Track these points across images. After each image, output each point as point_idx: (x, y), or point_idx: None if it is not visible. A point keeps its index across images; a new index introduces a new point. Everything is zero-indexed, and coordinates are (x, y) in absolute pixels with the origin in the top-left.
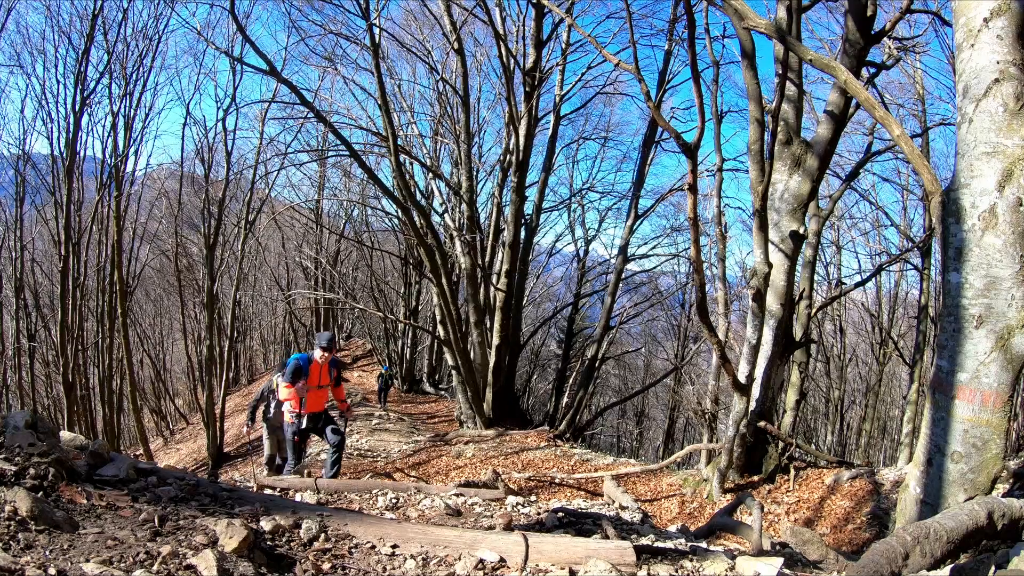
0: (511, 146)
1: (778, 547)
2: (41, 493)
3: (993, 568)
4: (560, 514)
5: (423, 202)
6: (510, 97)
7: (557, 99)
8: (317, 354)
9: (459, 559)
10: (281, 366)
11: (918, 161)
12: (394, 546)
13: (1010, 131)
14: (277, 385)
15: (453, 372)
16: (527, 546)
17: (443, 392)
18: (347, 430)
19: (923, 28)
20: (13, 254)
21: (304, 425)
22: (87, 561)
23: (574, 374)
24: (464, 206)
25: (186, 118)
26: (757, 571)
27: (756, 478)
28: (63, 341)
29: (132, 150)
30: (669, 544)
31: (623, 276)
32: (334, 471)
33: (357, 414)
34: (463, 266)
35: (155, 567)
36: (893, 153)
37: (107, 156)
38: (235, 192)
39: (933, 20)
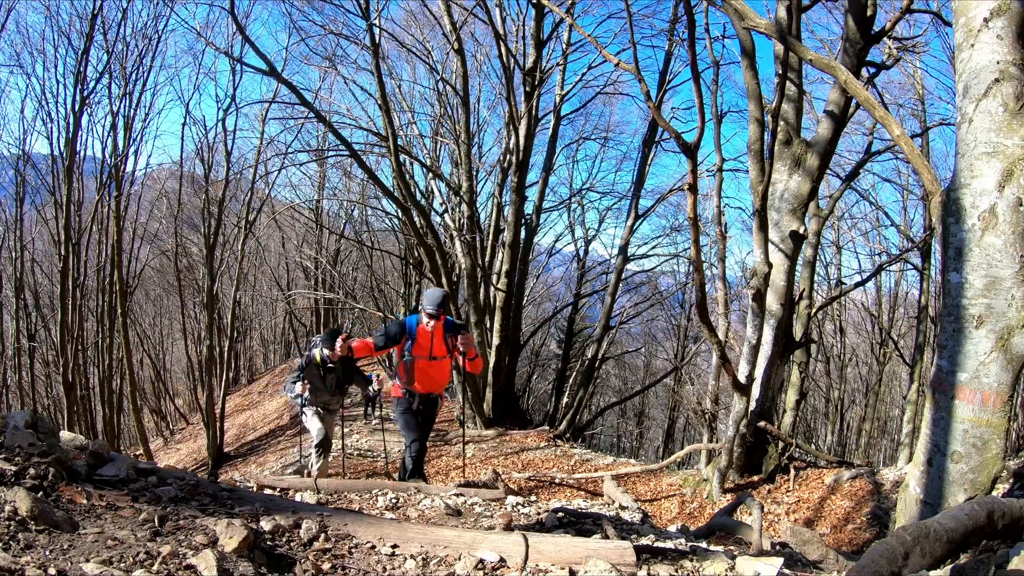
0: (511, 146)
1: (778, 547)
2: (41, 493)
3: (993, 568)
4: (560, 514)
5: (423, 202)
6: (510, 97)
7: (557, 99)
8: (424, 319)
9: (459, 559)
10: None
11: (918, 161)
12: (394, 546)
13: (1010, 131)
14: (314, 357)
15: (453, 372)
16: (527, 546)
17: (443, 392)
18: (348, 430)
19: (923, 28)
20: (13, 254)
21: (416, 406)
22: (87, 561)
23: (574, 374)
24: (464, 206)
25: (186, 118)
26: (757, 571)
27: (756, 478)
28: (63, 341)
29: (132, 150)
30: (669, 544)
31: (623, 276)
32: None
33: (356, 414)
34: (463, 266)
35: (155, 567)
36: (893, 153)
37: (107, 156)
38: (235, 192)
39: (933, 20)
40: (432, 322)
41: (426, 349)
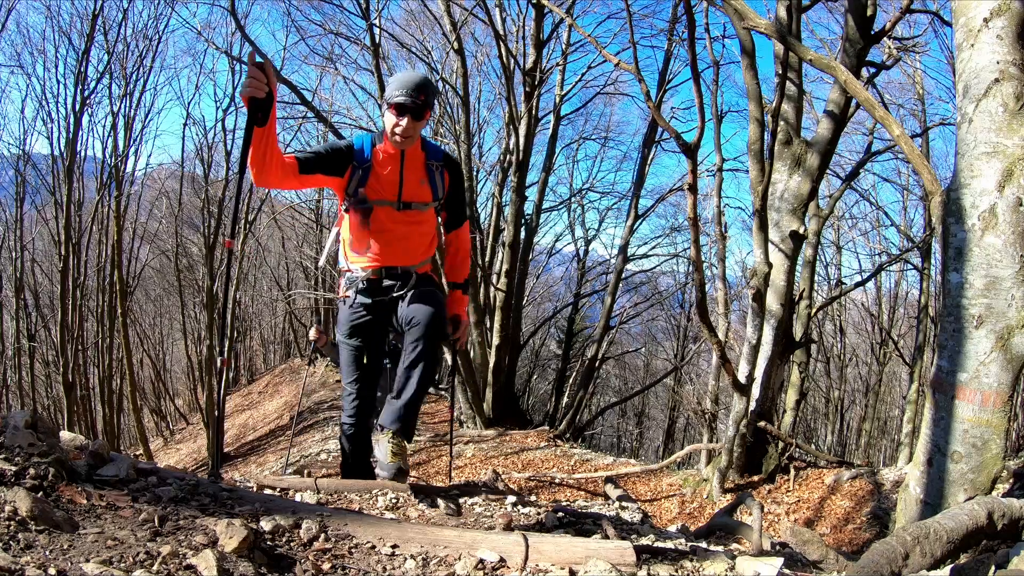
0: (511, 146)
1: (778, 547)
2: (41, 493)
3: (993, 568)
4: (560, 514)
5: None
6: (510, 97)
7: (557, 99)
8: (388, 122)
9: (459, 559)
10: None
11: (918, 161)
12: (394, 546)
13: (1010, 131)
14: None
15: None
16: (527, 546)
17: (443, 392)
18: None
19: (923, 28)
20: (13, 254)
21: (362, 298)
22: (87, 561)
23: (574, 374)
24: None
25: (186, 118)
26: (757, 571)
27: (756, 478)
28: (63, 341)
29: (132, 150)
30: (669, 544)
31: (623, 276)
32: (397, 427)
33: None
34: None
35: (155, 567)
36: (893, 153)
37: (107, 156)
38: (235, 192)
39: (933, 20)
40: (403, 122)
41: (390, 187)
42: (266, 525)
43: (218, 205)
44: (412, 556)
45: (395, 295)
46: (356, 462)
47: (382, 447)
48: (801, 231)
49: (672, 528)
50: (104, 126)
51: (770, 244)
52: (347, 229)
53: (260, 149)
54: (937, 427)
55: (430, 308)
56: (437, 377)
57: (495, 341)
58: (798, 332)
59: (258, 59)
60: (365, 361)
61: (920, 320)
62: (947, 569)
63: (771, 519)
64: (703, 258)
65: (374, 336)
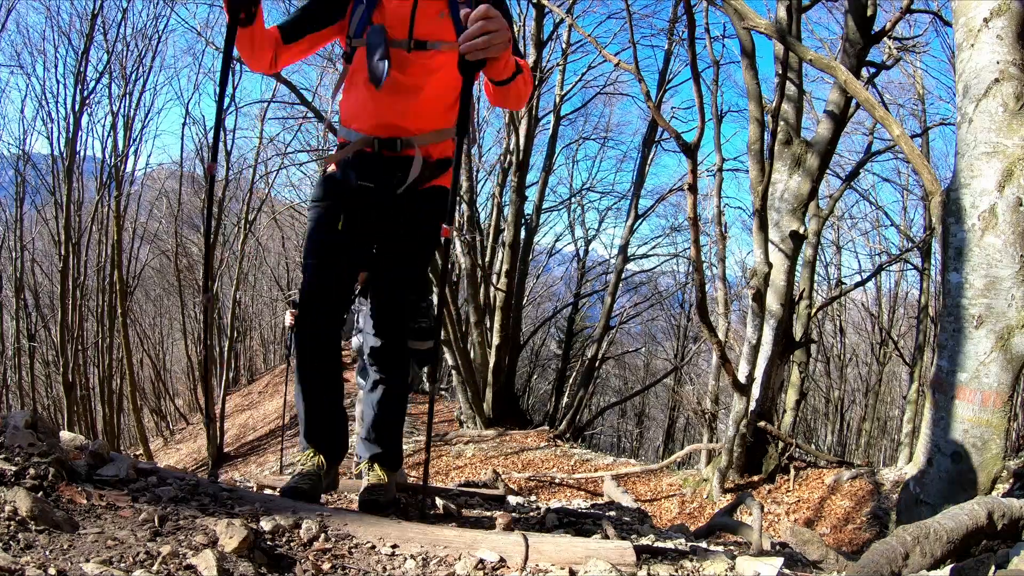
0: (511, 146)
1: (778, 547)
2: (41, 493)
3: (993, 568)
4: (560, 514)
5: None
6: None
7: (557, 99)
8: None
9: (459, 559)
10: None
11: (918, 161)
12: (394, 546)
13: (1010, 131)
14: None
15: (453, 372)
16: (527, 546)
17: (443, 392)
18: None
19: (923, 28)
20: (13, 254)
21: (355, 176)
22: (87, 561)
23: (574, 374)
24: (464, 206)
25: (185, 118)
26: (757, 571)
27: (756, 478)
28: (63, 341)
29: (132, 150)
30: (669, 544)
31: (623, 276)
32: (379, 416)
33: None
34: (463, 266)
35: (155, 567)
36: (893, 153)
37: (107, 156)
38: (235, 192)
39: (933, 20)
40: None
41: (399, 21)
42: (266, 525)
43: (218, 205)
44: (412, 556)
45: (383, 192)
46: (315, 410)
47: (362, 481)
48: (801, 231)
49: (672, 528)
50: (104, 126)
51: (770, 244)
52: (343, 85)
53: (247, 45)
54: (937, 427)
55: (393, 298)
56: (437, 375)
57: (495, 341)
58: (798, 332)
59: None
60: (341, 228)
61: (920, 320)
62: (947, 569)
63: (771, 519)
64: (703, 258)
65: (358, 205)
